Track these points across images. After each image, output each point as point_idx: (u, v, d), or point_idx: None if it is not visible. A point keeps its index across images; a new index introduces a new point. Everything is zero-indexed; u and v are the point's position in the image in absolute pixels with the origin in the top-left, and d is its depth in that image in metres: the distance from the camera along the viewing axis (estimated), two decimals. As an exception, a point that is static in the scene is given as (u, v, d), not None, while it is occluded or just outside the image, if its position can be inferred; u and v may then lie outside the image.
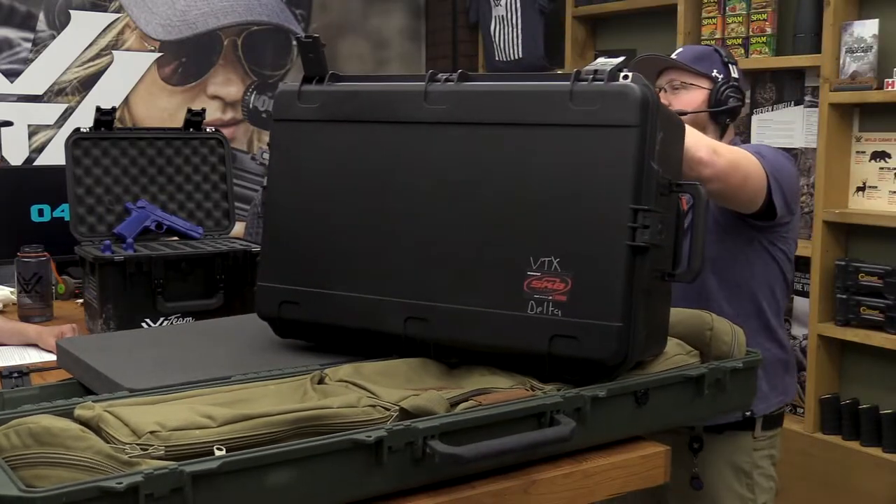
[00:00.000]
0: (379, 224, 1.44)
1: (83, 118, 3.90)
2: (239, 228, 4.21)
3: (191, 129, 2.62)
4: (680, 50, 2.20)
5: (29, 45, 3.99)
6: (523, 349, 1.32)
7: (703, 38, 3.57)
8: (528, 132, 1.34)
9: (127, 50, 4.20)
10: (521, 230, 1.33)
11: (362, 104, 1.48)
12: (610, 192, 1.28)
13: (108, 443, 1.04)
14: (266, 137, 4.56)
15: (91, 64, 4.13)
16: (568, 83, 1.32)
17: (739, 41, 3.43)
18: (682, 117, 1.84)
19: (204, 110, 2.65)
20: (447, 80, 1.42)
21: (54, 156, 3.82)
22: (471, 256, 1.36)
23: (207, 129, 2.64)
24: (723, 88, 2.08)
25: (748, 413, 1.97)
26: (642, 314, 1.31)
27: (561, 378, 1.33)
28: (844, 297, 3.02)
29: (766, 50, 3.36)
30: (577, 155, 1.31)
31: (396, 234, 1.42)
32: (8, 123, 3.92)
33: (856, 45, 3.01)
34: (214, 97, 4.42)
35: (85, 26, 4.10)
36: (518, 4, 4.33)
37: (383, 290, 1.42)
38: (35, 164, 3.98)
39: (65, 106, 4.08)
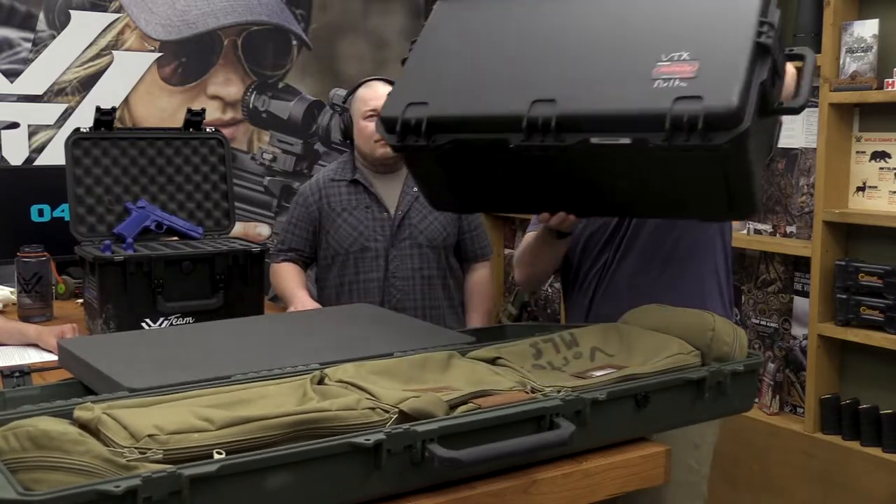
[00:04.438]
0: (519, 52, 1.57)
1: (83, 118, 3.89)
2: (239, 228, 4.21)
3: (191, 129, 2.62)
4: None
5: (29, 45, 3.99)
6: (647, 111, 1.40)
7: None
8: None
9: (127, 50, 4.20)
10: (657, 37, 1.48)
11: None
12: (744, 9, 1.46)
13: (106, 446, 1.04)
14: (266, 137, 4.56)
15: (91, 64, 4.13)
16: None
17: (740, 41, 3.43)
18: None
19: (204, 110, 2.65)
20: None
21: (54, 156, 3.82)
22: (604, 57, 1.49)
23: (207, 129, 2.64)
24: None
25: None
26: (756, 114, 1.40)
27: (676, 141, 1.38)
28: (844, 297, 3.02)
29: (767, 50, 3.35)
30: None
31: (532, 53, 1.55)
32: (14, 125, 3.92)
33: (856, 45, 3.01)
34: (214, 97, 4.42)
35: (85, 26, 4.09)
36: (518, 4, 4.33)
37: (513, 85, 1.51)
38: (35, 164, 3.97)
39: (65, 106, 4.07)
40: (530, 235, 2.13)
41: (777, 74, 1.48)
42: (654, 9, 1.53)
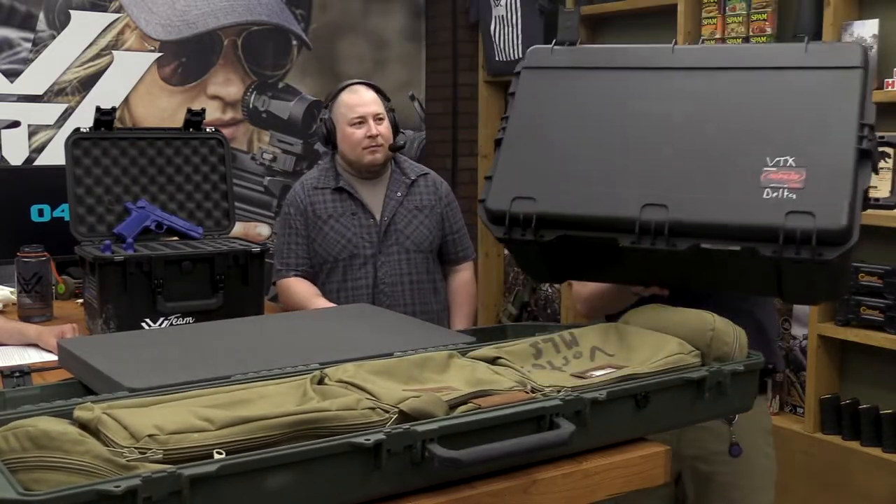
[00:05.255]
0: (622, 143, 1.60)
1: (83, 118, 3.89)
2: (239, 228, 4.21)
3: (191, 129, 2.62)
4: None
5: (29, 45, 3.99)
6: (759, 223, 1.45)
7: (703, 37, 3.57)
8: (772, 73, 1.59)
9: (127, 50, 4.20)
10: (761, 138, 1.52)
11: (615, 55, 1.72)
12: (841, 111, 1.50)
13: (106, 446, 1.04)
14: (266, 137, 4.56)
15: (91, 64, 4.13)
16: (803, 43, 1.60)
17: (739, 41, 3.43)
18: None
19: (204, 110, 2.65)
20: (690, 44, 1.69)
21: (54, 156, 3.82)
22: (710, 157, 1.53)
23: (207, 129, 2.64)
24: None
25: (770, 366, 2.03)
26: (858, 215, 1.44)
27: (787, 254, 1.43)
28: (844, 297, 3.02)
29: (767, 50, 3.35)
30: (813, 86, 1.55)
31: (637, 147, 1.59)
32: (15, 124, 3.92)
33: (856, 45, 3.01)
34: (214, 97, 4.42)
35: (85, 26, 4.09)
36: (518, 4, 4.33)
37: (621, 185, 1.55)
38: (35, 164, 3.97)
39: (65, 106, 4.07)
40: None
41: (874, 171, 1.50)
42: (753, 101, 1.58)
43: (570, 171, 1.61)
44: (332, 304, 2.62)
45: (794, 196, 1.44)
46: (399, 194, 2.76)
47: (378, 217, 2.74)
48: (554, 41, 1.77)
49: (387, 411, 1.19)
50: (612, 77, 1.69)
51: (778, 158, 1.49)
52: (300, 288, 2.72)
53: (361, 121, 2.70)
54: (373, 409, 1.19)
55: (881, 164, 3.03)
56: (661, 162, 1.57)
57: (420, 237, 2.76)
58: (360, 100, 2.74)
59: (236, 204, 2.82)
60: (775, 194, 1.46)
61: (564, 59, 1.73)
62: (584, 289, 2.11)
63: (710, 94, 1.61)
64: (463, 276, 2.91)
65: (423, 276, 2.77)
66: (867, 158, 1.47)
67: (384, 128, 2.73)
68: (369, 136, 2.70)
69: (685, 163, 1.55)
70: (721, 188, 1.50)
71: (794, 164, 1.47)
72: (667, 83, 1.64)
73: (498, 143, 1.70)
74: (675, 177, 1.54)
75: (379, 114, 2.74)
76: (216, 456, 1.04)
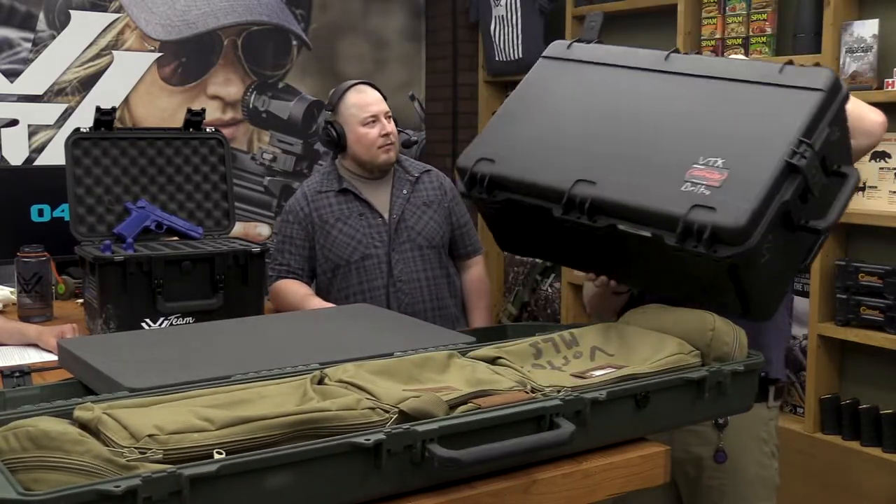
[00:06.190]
0: (587, 126, 1.70)
1: (83, 118, 3.89)
2: (239, 228, 4.21)
3: (191, 129, 2.62)
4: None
5: (29, 45, 3.99)
6: (665, 211, 1.49)
7: (703, 38, 3.57)
8: (741, 85, 1.63)
9: (127, 50, 4.20)
10: (703, 138, 1.57)
11: (617, 55, 1.82)
12: (784, 126, 1.51)
13: (106, 446, 1.04)
14: (266, 137, 4.56)
15: (91, 64, 4.13)
16: (778, 65, 1.63)
17: (739, 41, 3.43)
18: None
19: (204, 110, 2.64)
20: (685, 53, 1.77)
21: (54, 156, 3.82)
22: (651, 148, 1.60)
23: (207, 129, 2.64)
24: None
25: (763, 373, 2.01)
26: (776, 229, 1.47)
27: (687, 245, 1.46)
28: (844, 297, 3.02)
29: (766, 50, 3.36)
30: (771, 101, 1.57)
31: (597, 132, 1.68)
32: (14, 122, 3.92)
33: (856, 45, 3.01)
34: (214, 97, 4.42)
35: (85, 26, 4.09)
36: (518, 4, 4.32)
37: (567, 159, 1.64)
38: (35, 164, 3.97)
39: (65, 106, 4.07)
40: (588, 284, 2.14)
41: (810, 192, 1.50)
42: (711, 107, 1.62)
43: (532, 142, 1.71)
44: (326, 304, 2.61)
45: (708, 192, 1.48)
46: (405, 192, 2.76)
47: (386, 216, 2.73)
48: (576, 38, 1.92)
49: (387, 411, 1.19)
50: (606, 73, 1.79)
51: (710, 158, 1.53)
52: (293, 288, 2.70)
53: (374, 119, 2.69)
54: (373, 409, 1.19)
55: (881, 164, 3.04)
56: (609, 146, 1.64)
57: (431, 232, 2.75)
58: (370, 99, 2.73)
59: (236, 204, 2.82)
60: (693, 188, 1.50)
61: (578, 53, 1.86)
62: (588, 291, 2.12)
63: (677, 95, 1.68)
64: (475, 272, 2.90)
65: (438, 272, 2.76)
66: (796, 174, 1.48)
67: (393, 126, 2.74)
68: (384, 135, 2.69)
69: (628, 149, 1.62)
70: (646, 174, 1.56)
71: (720, 166, 1.51)
72: (647, 83, 1.72)
73: (494, 113, 1.82)
74: (614, 160, 1.61)
75: (388, 112, 2.74)
76: (216, 456, 1.04)
